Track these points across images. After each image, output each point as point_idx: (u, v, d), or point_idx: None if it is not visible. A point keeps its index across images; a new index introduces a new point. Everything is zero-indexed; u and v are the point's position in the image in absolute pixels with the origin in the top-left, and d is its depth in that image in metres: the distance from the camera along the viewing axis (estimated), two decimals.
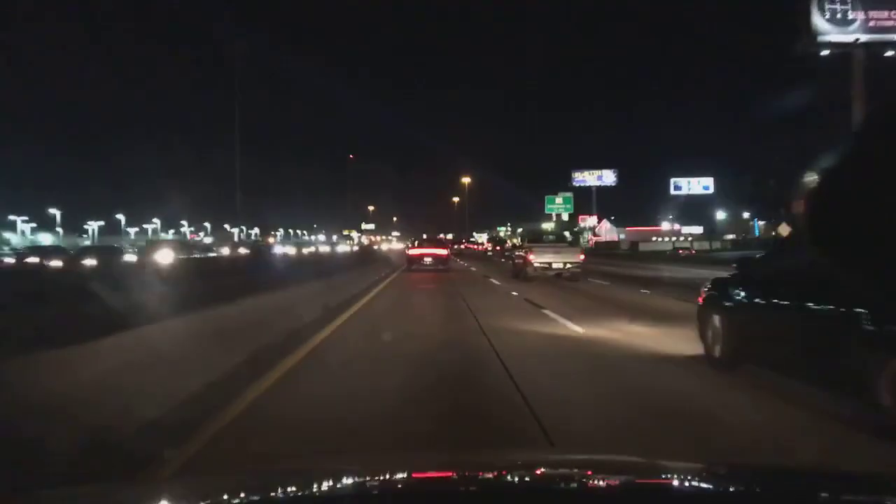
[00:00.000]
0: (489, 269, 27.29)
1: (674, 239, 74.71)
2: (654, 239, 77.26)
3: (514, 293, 14.94)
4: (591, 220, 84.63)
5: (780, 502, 1.50)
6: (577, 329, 8.74)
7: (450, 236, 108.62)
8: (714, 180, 72.91)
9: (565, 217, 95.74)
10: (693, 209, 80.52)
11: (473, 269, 29.07)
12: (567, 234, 26.47)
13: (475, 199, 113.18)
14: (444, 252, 28.01)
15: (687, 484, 1.67)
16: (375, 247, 65.33)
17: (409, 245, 31.43)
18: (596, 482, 1.69)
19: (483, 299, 13.25)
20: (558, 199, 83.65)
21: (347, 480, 1.69)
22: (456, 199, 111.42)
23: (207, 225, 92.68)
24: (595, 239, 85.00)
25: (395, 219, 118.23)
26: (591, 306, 12.08)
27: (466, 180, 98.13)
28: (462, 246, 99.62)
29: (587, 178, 79.32)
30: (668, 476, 1.76)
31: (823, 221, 1.18)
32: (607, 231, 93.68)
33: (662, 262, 34.80)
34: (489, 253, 70.18)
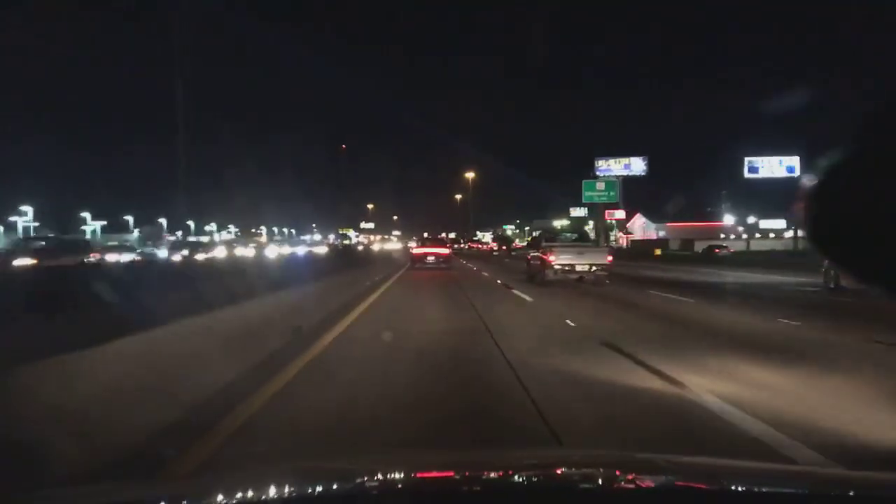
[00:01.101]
0: (499, 272, 25.88)
1: (762, 236, 65.25)
2: (722, 237, 67.46)
3: (545, 308, 12.09)
4: (618, 215, 74.98)
5: (787, 502, 1.57)
6: (678, 380, 5.61)
7: (452, 235, 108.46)
8: (801, 160, 55.32)
9: (579, 213, 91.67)
10: (775, 198, 64.20)
11: (483, 272, 26.94)
12: (592, 231, 23.71)
13: (479, 197, 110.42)
14: (445, 251, 30.87)
15: (696, 483, 1.69)
16: (361, 247, 59.55)
17: (415, 245, 34.26)
18: (603, 482, 1.71)
19: (508, 322, 10.11)
20: (599, 185, 68.53)
21: (353, 481, 1.71)
22: (458, 197, 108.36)
23: (162, 221, 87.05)
24: (627, 237, 77.08)
25: (395, 217, 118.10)
26: (666, 331, 9.03)
27: (470, 175, 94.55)
28: (466, 245, 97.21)
29: (612, 167, 67.76)
30: (675, 475, 1.77)
31: (823, 221, 1.22)
32: (641, 227, 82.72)
33: (707, 264, 31.83)
34: (495, 252, 67.16)
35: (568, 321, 9.84)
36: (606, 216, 76.47)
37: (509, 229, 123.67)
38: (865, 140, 1.17)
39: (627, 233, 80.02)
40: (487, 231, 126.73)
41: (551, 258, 17.70)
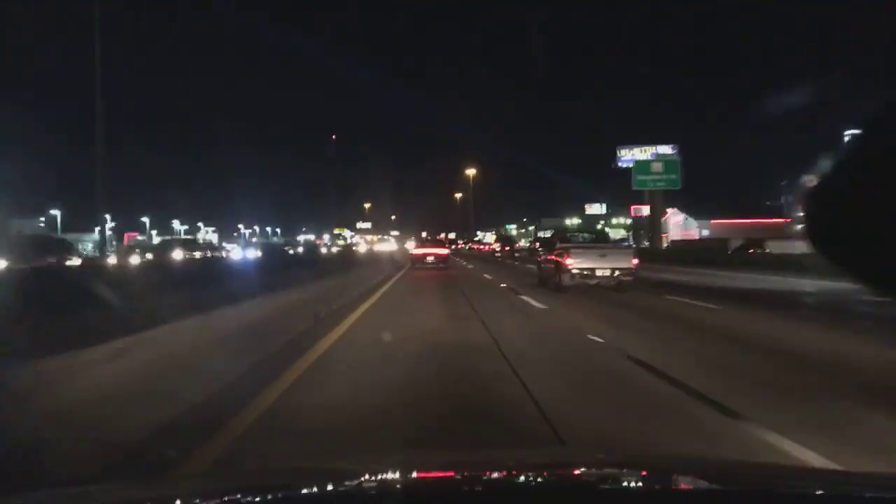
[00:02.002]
0: (505, 276, 24.38)
1: None
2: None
3: (598, 339, 8.67)
4: (646, 211, 65.29)
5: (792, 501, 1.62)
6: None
7: (452, 235, 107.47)
8: None
9: (596, 209, 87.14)
10: None
11: (489, 276, 25.11)
12: (623, 231, 21.40)
13: (480, 197, 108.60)
14: (444, 252, 33.32)
15: (699, 483, 1.77)
16: (326, 249, 51.15)
17: (415, 245, 37.60)
18: (606, 482, 1.80)
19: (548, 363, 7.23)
20: (656, 166, 51.54)
21: (354, 481, 1.79)
22: (458, 196, 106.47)
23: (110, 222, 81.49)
24: (660, 237, 69.85)
25: (393, 217, 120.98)
26: (795, 379, 6.42)
27: (471, 173, 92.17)
28: (468, 246, 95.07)
29: (637, 156, 58.97)
30: (679, 475, 1.85)
31: (823, 221, 1.29)
32: (678, 225, 72.12)
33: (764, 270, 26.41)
34: (497, 254, 64.53)
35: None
36: (632, 212, 69.62)
37: (512, 229, 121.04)
38: (865, 140, 1.20)
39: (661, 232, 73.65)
40: (489, 231, 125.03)
41: (568, 261, 16.36)
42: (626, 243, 32.36)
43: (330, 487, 1.73)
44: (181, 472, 3.50)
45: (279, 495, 1.64)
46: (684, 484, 1.75)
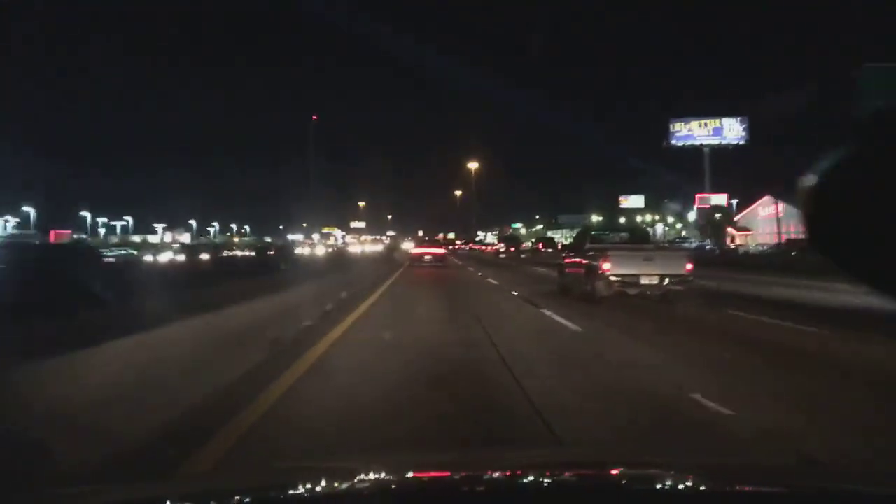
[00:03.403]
0: (520, 284, 21.71)
1: None
2: None
3: None
4: (717, 200, 54.97)
5: (792, 501, 1.82)
6: None
7: (451, 235, 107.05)
8: None
9: (634, 201, 78.94)
10: None
11: (497, 282, 22.40)
12: (660, 228, 18.00)
13: (482, 195, 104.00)
14: (442, 251, 38.80)
15: (699, 484, 1.89)
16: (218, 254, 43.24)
17: (413, 246, 45.31)
18: (605, 482, 1.96)
19: None
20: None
21: (353, 481, 1.93)
22: (458, 193, 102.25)
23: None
24: (740, 235, 60.27)
25: (389, 217, 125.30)
26: None
27: (474, 166, 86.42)
28: (468, 247, 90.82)
29: (696, 133, 49.99)
30: (679, 476, 1.96)
31: (823, 221, 1.36)
32: (770, 220, 59.73)
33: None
34: (501, 254, 60.49)
35: None
36: (697, 201, 60.41)
37: (519, 228, 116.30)
38: (865, 140, 1.28)
39: (739, 229, 63.11)
40: (491, 231, 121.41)
41: (605, 265, 14.49)
42: (694, 243, 26.43)
43: (329, 487, 1.91)
44: (181, 472, 3.83)
45: (279, 495, 1.79)
46: (684, 484, 1.85)
